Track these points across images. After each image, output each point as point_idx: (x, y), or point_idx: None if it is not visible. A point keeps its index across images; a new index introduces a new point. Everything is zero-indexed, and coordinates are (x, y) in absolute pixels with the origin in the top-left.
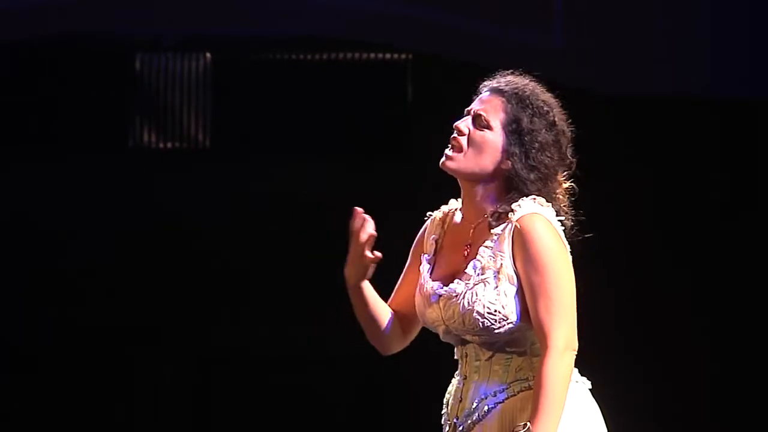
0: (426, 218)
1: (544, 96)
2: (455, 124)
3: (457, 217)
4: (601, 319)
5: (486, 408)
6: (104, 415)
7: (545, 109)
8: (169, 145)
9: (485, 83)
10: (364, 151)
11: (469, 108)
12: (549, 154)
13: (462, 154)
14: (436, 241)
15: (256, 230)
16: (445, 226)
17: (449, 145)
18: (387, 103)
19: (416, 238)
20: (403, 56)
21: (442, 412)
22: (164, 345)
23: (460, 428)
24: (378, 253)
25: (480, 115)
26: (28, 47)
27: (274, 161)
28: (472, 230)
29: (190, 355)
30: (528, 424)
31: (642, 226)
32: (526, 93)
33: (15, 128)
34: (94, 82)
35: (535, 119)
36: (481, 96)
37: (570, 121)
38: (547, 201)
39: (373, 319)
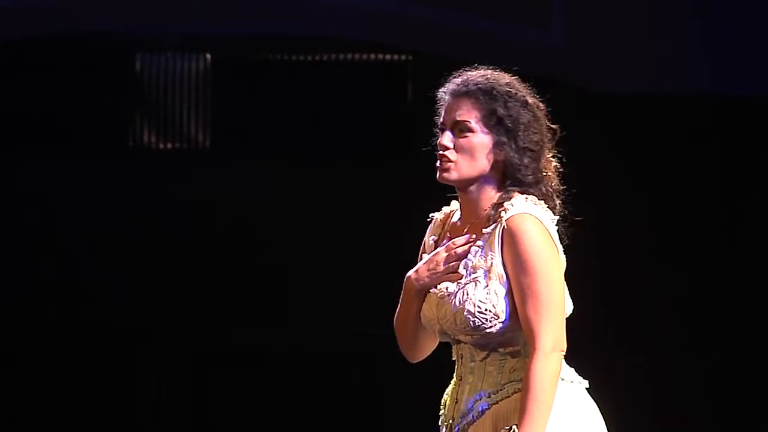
0: (429, 220)
1: (506, 79)
2: (438, 141)
3: (456, 218)
4: (601, 318)
5: (480, 409)
6: (104, 415)
7: (513, 91)
8: (169, 145)
9: (440, 93)
10: (364, 152)
11: (441, 121)
12: (535, 130)
13: (454, 164)
14: (436, 242)
15: (256, 230)
16: (445, 227)
17: (439, 162)
18: (387, 103)
19: (423, 241)
20: (403, 56)
21: (440, 413)
22: (164, 345)
23: (456, 430)
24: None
25: (457, 122)
26: (28, 47)
27: (274, 161)
28: (466, 230)
29: (190, 355)
30: (515, 426)
31: (641, 225)
32: (490, 84)
33: (14, 129)
34: (94, 82)
35: (509, 104)
36: (447, 105)
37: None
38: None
39: (417, 326)
